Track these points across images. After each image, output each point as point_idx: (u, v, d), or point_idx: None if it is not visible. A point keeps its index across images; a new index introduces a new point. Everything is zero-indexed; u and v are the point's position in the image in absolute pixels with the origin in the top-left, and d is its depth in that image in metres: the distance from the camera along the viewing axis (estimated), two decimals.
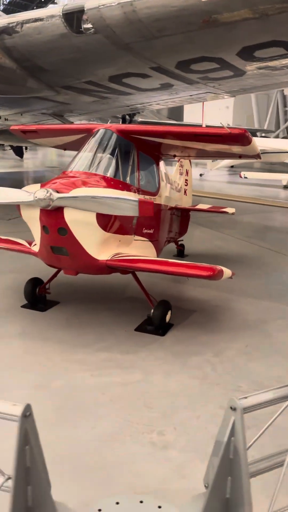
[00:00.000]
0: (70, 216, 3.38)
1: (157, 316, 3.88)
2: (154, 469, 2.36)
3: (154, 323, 3.91)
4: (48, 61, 7.39)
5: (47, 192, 3.28)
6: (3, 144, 28.62)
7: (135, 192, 4.00)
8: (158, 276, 4.95)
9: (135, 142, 4.17)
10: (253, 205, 11.40)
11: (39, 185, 3.58)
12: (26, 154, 25.81)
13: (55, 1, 31.79)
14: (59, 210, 3.38)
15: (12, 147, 24.23)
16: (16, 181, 16.81)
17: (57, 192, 3.34)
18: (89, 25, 6.34)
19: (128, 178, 3.98)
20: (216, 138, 3.87)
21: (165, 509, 1.58)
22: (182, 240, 6.23)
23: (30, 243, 4.12)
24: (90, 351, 3.61)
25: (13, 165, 22.95)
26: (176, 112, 28.12)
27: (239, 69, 7.20)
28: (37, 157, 29.16)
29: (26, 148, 26.09)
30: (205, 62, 6.95)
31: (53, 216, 3.40)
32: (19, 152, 24.20)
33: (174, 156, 4.89)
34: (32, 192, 3.33)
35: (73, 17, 6.37)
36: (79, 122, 13.71)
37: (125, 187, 3.86)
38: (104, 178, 3.74)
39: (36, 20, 6.71)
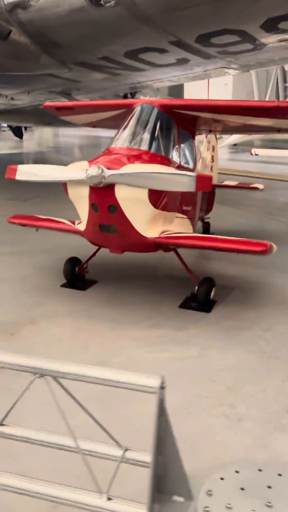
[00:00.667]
0: (121, 193, 3.34)
1: (202, 293, 3.89)
2: (235, 440, 2.39)
3: (199, 300, 3.91)
4: (64, 36, 7.19)
5: (99, 169, 3.24)
6: None
7: (177, 168, 3.96)
8: (187, 254, 4.93)
9: (175, 117, 4.10)
10: (266, 182, 11.31)
11: (85, 162, 3.53)
12: (24, 135, 25.38)
13: None
14: (110, 188, 3.34)
15: (11, 127, 23.83)
16: (17, 162, 16.61)
17: (108, 169, 3.29)
18: None
19: (171, 154, 3.93)
20: (264, 111, 3.81)
21: (286, 477, 1.60)
22: (209, 217, 6.20)
23: (72, 222, 4.07)
24: (140, 328, 3.62)
25: (13, 146, 22.60)
26: (176, 90, 27.67)
27: (260, 41, 7.05)
28: (35, 138, 28.74)
29: (25, 129, 25.67)
30: (226, 35, 6.79)
31: (103, 194, 3.36)
32: (18, 132, 23.80)
33: (210, 131, 4.82)
34: (84, 169, 3.28)
35: None
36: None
37: (170, 163, 3.81)
38: (150, 154, 3.69)
39: None
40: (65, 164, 3.77)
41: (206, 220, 6.25)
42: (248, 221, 7.36)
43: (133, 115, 3.97)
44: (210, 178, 3.10)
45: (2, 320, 3.68)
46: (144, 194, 3.33)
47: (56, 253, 5.29)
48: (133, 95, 17.55)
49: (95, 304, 4.06)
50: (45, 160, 16.41)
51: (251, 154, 12.17)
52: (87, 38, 7.19)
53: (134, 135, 3.82)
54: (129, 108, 4.11)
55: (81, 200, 3.56)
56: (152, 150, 3.78)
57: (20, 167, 3.55)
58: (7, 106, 13.95)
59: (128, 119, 3.96)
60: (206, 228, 6.31)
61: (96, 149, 22.78)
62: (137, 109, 4.00)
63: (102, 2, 6.26)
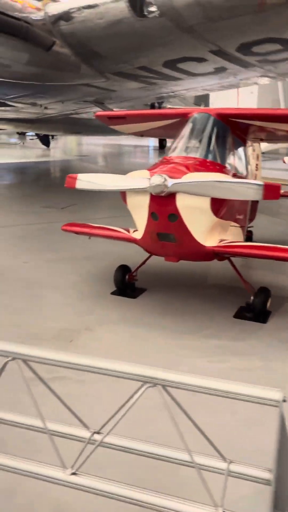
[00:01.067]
0: (182, 202, 3.35)
1: (259, 303, 3.85)
2: None
3: (255, 310, 3.87)
4: (105, 47, 7.29)
5: (162, 178, 3.25)
6: (24, 133, 28.56)
7: (233, 176, 3.94)
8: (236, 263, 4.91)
9: (230, 126, 4.10)
10: None
11: (145, 171, 3.55)
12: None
13: None
14: (170, 196, 3.34)
15: (38, 136, 24.24)
16: (46, 170, 16.88)
17: (170, 178, 3.30)
18: (154, 8, 6.22)
19: (227, 163, 3.92)
20: None
21: None
22: (252, 226, 6.15)
23: (127, 230, 4.09)
24: (197, 338, 3.60)
25: (41, 155, 22.94)
26: (202, 99, 27.75)
27: None
28: (60, 146, 29.13)
29: (52, 137, 26.08)
30: (268, 44, 6.79)
31: (164, 202, 3.37)
32: (45, 141, 24.19)
33: (261, 139, 4.81)
34: (147, 178, 3.30)
35: (138, 0, 6.26)
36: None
37: (227, 171, 3.80)
38: (209, 162, 3.69)
39: (97, 5, 6.61)
40: (94, 172, 3.80)
41: (249, 229, 6.19)
42: (287, 229, 7.29)
43: (189, 124, 3.98)
44: (278, 187, 3.07)
45: (60, 327, 3.71)
46: (206, 203, 3.33)
47: (98, 260, 5.33)
48: (160, 104, 17.63)
49: (147, 312, 4.06)
50: (74, 168, 16.58)
51: (284, 162, 12.03)
52: (128, 49, 7.28)
53: (191, 144, 3.83)
54: (184, 118, 4.12)
55: (139, 208, 3.57)
56: (210, 158, 3.78)
57: (80, 176, 3.60)
58: (39, 115, 14.21)
59: (185, 128, 3.97)
60: (249, 237, 6.25)
61: (119, 157, 22.97)
62: (193, 118, 4.01)
63: (146, 13, 6.34)
